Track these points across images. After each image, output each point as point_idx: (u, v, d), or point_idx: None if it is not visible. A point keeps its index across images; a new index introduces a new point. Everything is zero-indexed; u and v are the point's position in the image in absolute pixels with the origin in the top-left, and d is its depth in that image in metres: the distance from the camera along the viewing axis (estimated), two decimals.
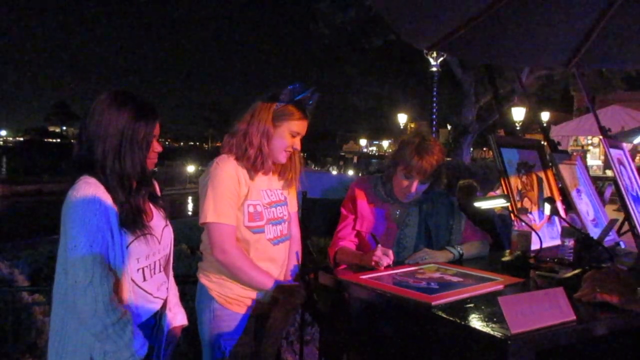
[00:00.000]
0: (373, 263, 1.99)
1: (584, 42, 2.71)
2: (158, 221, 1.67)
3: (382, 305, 1.73)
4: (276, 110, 1.91)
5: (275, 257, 2.00)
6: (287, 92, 1.90)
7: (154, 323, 1.65)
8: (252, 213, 1.92)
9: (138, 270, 1.56)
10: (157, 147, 1.61)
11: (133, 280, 1.54)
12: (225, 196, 1.87)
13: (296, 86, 1.91)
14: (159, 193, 1.72)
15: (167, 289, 1.72)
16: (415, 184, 2.19)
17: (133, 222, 1.52)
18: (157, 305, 1.65)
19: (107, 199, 1.49)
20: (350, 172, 27.44)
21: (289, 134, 1.94)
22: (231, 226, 1.88)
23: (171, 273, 1.78)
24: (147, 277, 1.60)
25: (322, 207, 2.60)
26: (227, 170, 1.89)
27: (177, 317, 1.78)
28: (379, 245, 2.03)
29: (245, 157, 1.90)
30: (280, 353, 2.62)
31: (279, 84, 1.95)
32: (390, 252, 2.02)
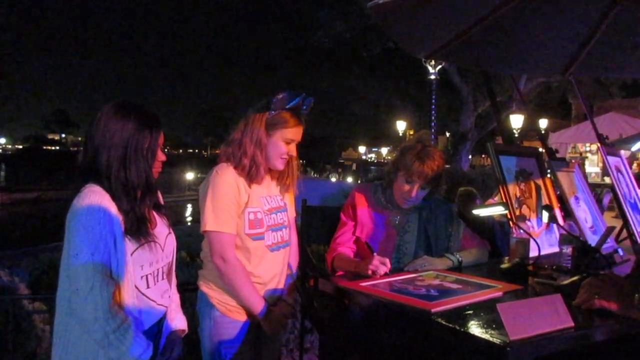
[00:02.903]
0: (370, 272, 1.99)
1: (580, 50, 2.73)
2: (161, 229, 1.68)
3: (382, 312, 1.74)
4: (269, 119, 1.93)
5: (274, 264, 2.01)
6: (278, 101, 1.92)
7: (156, 330, 1.66)
8: (252, 220, 1.94)
9: (142, 277, 1.58)
10: (161, 157, 1.63)
11: (137, 288, 1.56)
12: (225, 204, 1.89)
13: (287, 94, 1.92)
14: (162, 201, 1.74)
15: (170, 296, 1.73)
16: (415, 189, 2.21)
17: (137, 230, 1.54)
18: (160, 313, 1.67)
19: (112, 207, 1.50)
20: (349, 179, 27.44)
21: (282, 141, 1.95)
22: (231, 234, 1.90)
23: (174, 280, 1.79)
24: (151, 285, 1.62)
25: (321, 215, 2.61)
26: (227, 179, 1.91)
27: (175, 322, 1.79)
28: (375, 254, 2.04)
29: (241, 166, 1.93)
30: None
31: (273, 93, 1.96)
32: (387, 261, 2.02)
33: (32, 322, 3.03)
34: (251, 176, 1.93)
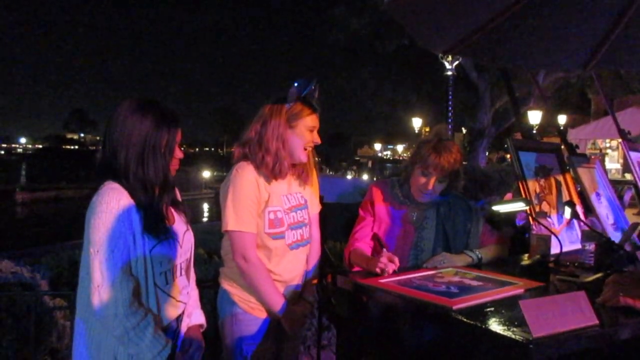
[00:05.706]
0: (378, 270, 1.94)
1: (601, 44, 2.68)
2: (179, 226, 1.69)
3: (401, 308, 1.73)
4: (288, 111, 1.93)
5: (294, 262, 2.01)
6: (294, 91, 1.92)
7: (175, 327, 1.67)
8: (272, 220, 1.94)
9: (161, 274, 1.59)
10: (179, 154, 1.64)
11: (156, 284, 1.57)
12: (246, 204, 1.89)
13: (300, 83, 1.93)
14: (179, 198, 1.75)
15: (188, 292, 1.74)
16: (432, 181, 2.17)
17: (156, 226, 1.55)
18: (179, 310, 1.68)
19: (130, 204, 1.51)
20: (365, 177, 27.39)
21: (306, 130, 1.95)
22: (252, 234, 1.90)
23: (192, 277, 1.80)
24: (170, 281, 1.62)
25: (337, 212, 2.61)
26: (248, 178, 1.91)
27: (193, 317, 1.79)
28: (384, 251, 2.01)
29: (264, 164, 1.91)
30: (297, 357, 2.63)
31: (281, 88, 1.97)
32: (396, 259, 1.97)
33: (53, 318, 3.08)
34: (275, 173, 1.92)
